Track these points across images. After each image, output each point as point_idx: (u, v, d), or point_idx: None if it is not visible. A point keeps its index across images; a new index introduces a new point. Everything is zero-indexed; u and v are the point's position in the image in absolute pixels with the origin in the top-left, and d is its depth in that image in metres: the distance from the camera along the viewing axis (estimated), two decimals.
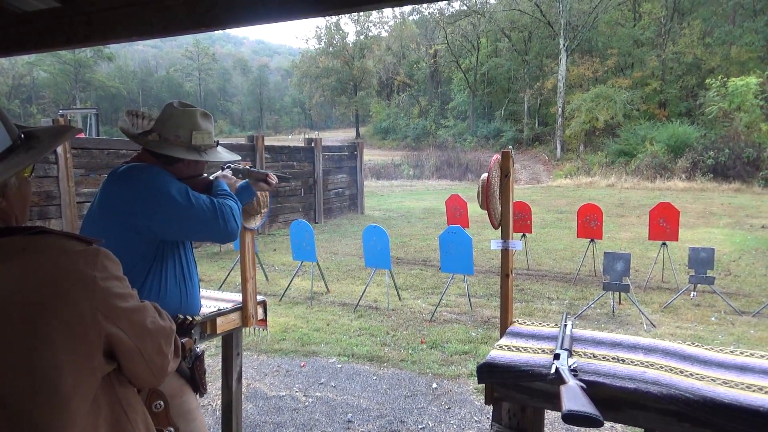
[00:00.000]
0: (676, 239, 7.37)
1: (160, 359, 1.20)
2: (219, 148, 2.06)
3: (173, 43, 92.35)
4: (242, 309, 2.97)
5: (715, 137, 25.07)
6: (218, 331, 2.85)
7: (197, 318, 1.98)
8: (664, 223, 7.31)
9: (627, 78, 34.01)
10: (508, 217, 2.37)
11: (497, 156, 2.38)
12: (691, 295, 6.81)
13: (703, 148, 23.98)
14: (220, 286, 7.45)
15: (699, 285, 6.71)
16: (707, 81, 27.19)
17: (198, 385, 1.93)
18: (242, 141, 13.42)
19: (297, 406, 4.06)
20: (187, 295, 1.95)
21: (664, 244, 7.39)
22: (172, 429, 1.71)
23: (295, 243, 7.18)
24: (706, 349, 2.05)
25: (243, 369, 4.05)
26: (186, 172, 1.99)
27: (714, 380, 1.75)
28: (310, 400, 4.16)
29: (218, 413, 3.69)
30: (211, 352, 5.14)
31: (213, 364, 4.84)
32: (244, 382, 4.31)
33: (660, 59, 33.12)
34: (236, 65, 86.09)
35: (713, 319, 6.02)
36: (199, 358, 1.92)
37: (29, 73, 57.01)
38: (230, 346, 3.07)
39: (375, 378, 4.56)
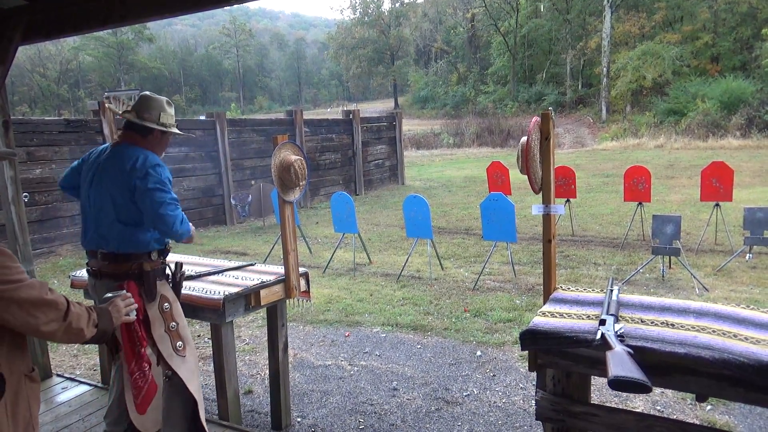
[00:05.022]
0: (730, 200, 7.06)
1: None
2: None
3: (210, 21, 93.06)
4: (285, 281, 3.02)
5: None
6: (262, 303, 2.91)
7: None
8: (717, 183, 7.01)
9: (676, 33, 32.38)
10: (549, 181, 2.30)
11: (536, 118, 2.30)
12: (747, 257, 6.54)
13: (759, 104, 22.80)
14: (265, 260, 7.60)
15: (755, 247, 6.45)
16: (764, 31, 25.64)
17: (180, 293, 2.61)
18: (281, 116, 13.52)
19: (343, 374, 4.13)
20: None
21: (717, 204, 7.11)
22: (174, 323, 2.45)
23: (336, 215, 7.23)
24: (762, 312, 1.96)
25: (289, 339, 4.14)
26: (156, 142, 2.53)
27: None
28: (356, 368, 4.23)
29: (266, 382, 3.79)
30: (258, 323, 5.27)
31: (260, 335, 4.97)
32: (291, 352, 4.42)
33: (712, 11, 31.38)
34: (273, 40, 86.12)
35: None
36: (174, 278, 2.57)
37: (75, 57, 58.56)
38: (275, 317, 3.13)
39: (419, 347, 4.59)
